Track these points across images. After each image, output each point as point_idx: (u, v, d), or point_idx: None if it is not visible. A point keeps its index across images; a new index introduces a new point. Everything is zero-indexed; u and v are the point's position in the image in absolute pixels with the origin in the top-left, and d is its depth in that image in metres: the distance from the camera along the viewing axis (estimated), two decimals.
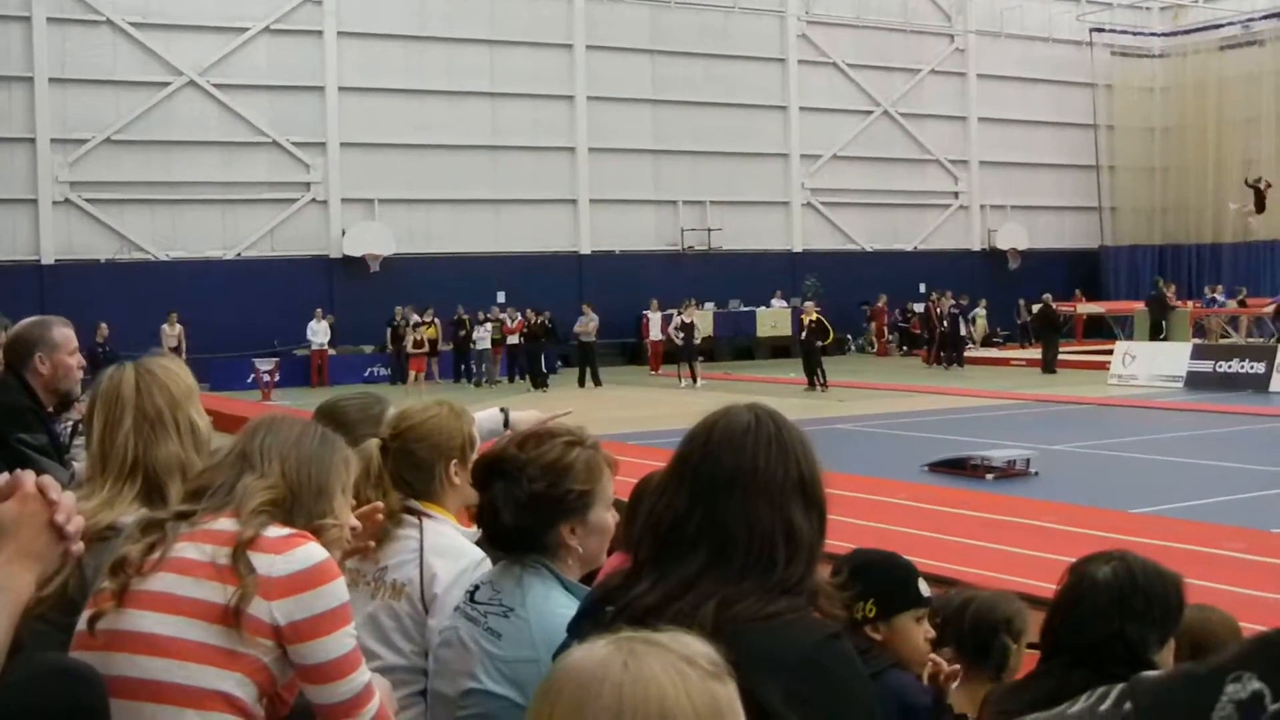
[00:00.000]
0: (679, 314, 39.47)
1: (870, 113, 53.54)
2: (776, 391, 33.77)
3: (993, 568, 11.53)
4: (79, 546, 2.88)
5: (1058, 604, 3.86)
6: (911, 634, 4.29)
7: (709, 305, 46.46)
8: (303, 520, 3.38)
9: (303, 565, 3.24)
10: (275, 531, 3.29)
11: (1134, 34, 59.28)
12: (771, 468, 2.75)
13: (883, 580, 4.33)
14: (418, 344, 37.28)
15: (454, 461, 4.34)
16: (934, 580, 4.51)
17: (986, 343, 50.24)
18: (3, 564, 2.72)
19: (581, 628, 2.87)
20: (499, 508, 3.55)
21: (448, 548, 4.20)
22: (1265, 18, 54.99)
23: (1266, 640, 1.40)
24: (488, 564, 3.99)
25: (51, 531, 2.79)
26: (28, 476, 2.81)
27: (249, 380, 37.96)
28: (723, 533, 2.73)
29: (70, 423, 7.25)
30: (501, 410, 5.26)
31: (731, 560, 2.69)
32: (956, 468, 19.44)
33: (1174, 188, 58.77)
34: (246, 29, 42.82)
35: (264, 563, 3.21)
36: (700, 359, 39.19)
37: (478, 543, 4.16)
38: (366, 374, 41.64)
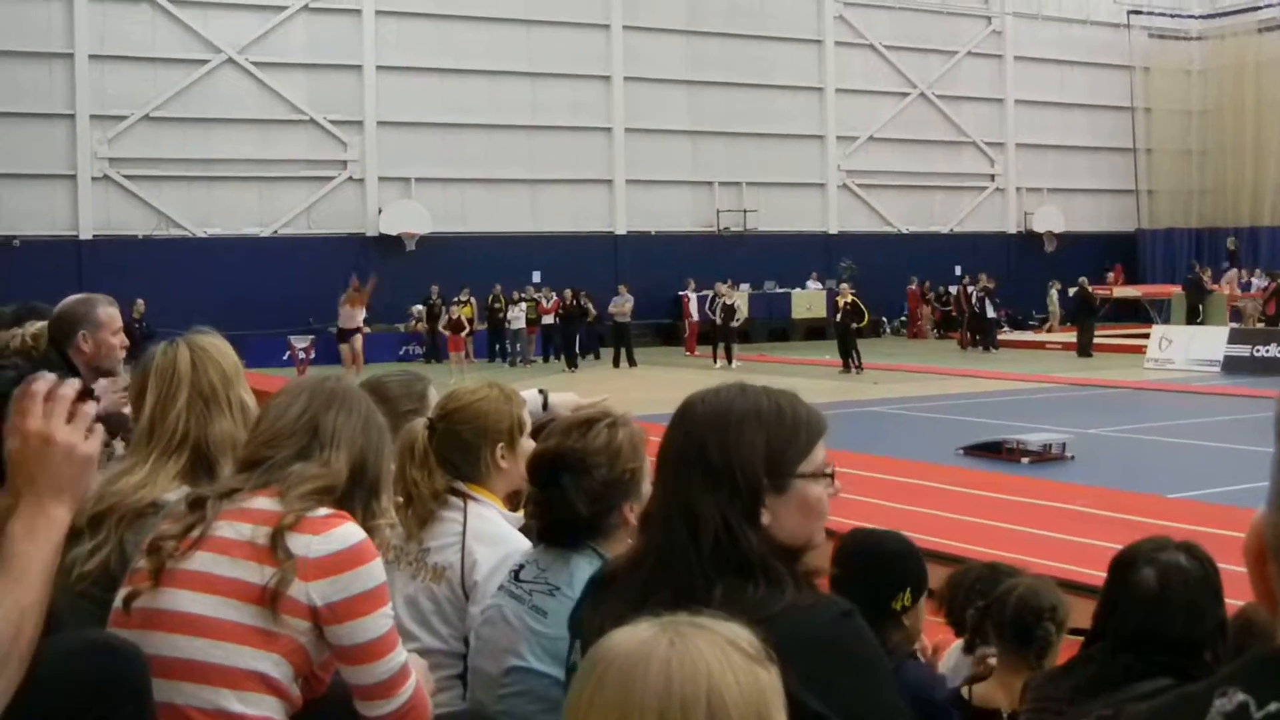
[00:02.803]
0: (718, 295, 39.39)
1: (907, 94, 53.36)
2: (811, 373, 33.73)
3: (1029, 552, 11.48)
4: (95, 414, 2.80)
5: (1108, 589, 3.85)
6: (922, 616, 4.32)
7: (744, 286, 46.29)
8: (358, 515, 3.39)
9: (340, 546, 3.24)
10: (315, 512, 3.29)
11: (1172, 16, 58.95)
12: (679, 448, 2.74)
13: (913, 567, 4.34)
14: (454, 324, 37.29)
15: (501, 444, 4.31)
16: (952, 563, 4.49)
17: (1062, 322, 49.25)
18: (35, 509, 2.68)
19: (591, 598, 2.91)
20: (572, 499, 3.57)
21: (490, 533, 4.18)
22: None
23: (1252, 656, 1.42)
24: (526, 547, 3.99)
25: (70, 457, 2.73)
26: (14, 404, 2.78)
27: (284, 357, 38.12)
28: (646, 514, 2.82)
29: None
30: (540, 392, 5.26)
31: (659, 543, 2.71)
32: (992, 451, 19.38)
33: (1211, 171, 58.41)
34: (285, 7, 42.91)
35: (301, 544, 3.22)
36: (737, 340, 39.12)
37: (524, 530, 4.16)
38: (402, 352, 41.71)
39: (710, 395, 2.79)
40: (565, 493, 3.58)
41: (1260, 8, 56.55)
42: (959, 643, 5.19)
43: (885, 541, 4.49)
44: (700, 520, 2.64)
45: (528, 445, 4.27)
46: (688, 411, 2.78)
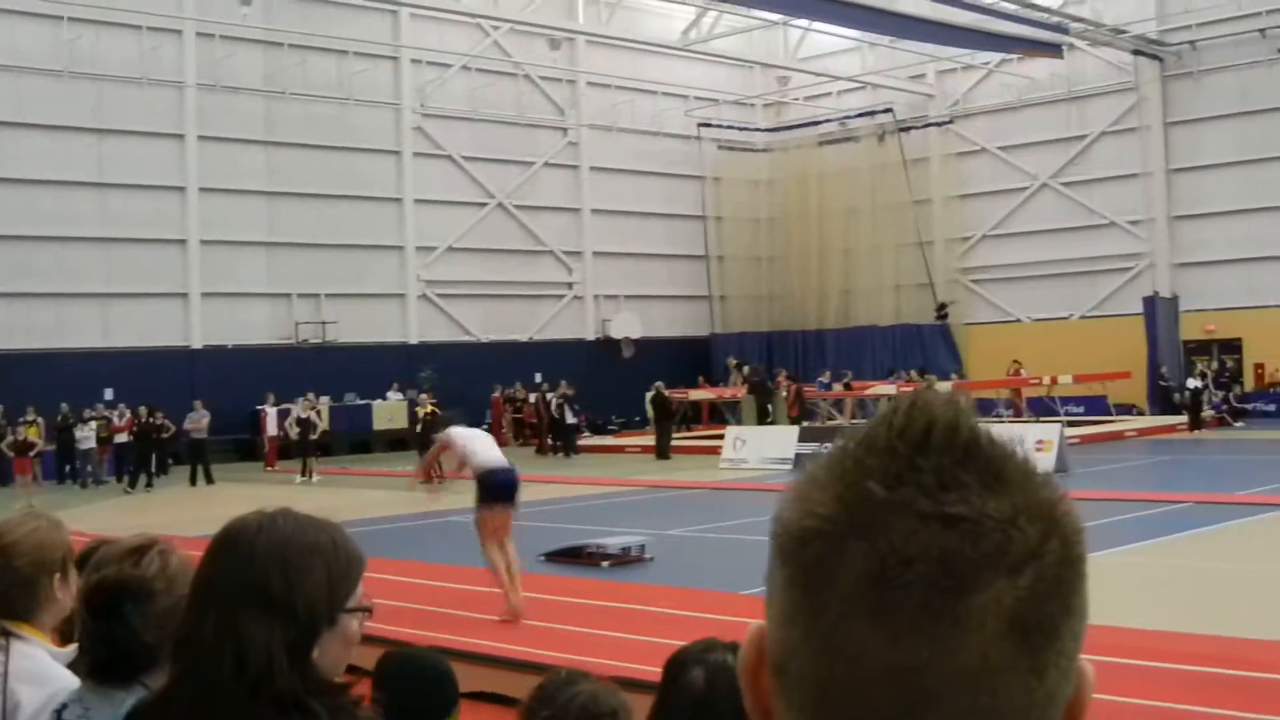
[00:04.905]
0: (296, 409, 38.98)
1: (485, 204, 53.98)
2: (394, 485, 33.46)
3: (607, 655, 11.64)
4: None
5: (661, 691, 3.92)
6: None
7: (325, 399, 45.81)
8: None
9: None
10: None
11: (740, 129, 61.47)
12: (233, 577, 2.67)
13: (456, 685, 4.36)
14: (20, 445, 35.71)
15: (57, 575, 4.13)
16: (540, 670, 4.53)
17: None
18: None
19: None
20: (137, 629, 3.42)
21: (36, 672, 3.98)
22: (859, 115, 58.09)
23: None
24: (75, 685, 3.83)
25: None
26: None
27: None
28: (181, 644, 2.70)
29: None
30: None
31: (201, 677, 2.61)
32: (573, 556, 19.62)
33: (780, 276, 61.07)
34: None
35: None
36: (317, 454, 38.74)
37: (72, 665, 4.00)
38: None
39: (266, 524, 2.72)
40: (128, 622, 3.45)
41: (820, 122, 59.78)
42: None
43: (432, 661, 4.50)
44: (248, 654, 2.57)
45: (74, 576, 4.13)
46: (239, 539, 2.70)
